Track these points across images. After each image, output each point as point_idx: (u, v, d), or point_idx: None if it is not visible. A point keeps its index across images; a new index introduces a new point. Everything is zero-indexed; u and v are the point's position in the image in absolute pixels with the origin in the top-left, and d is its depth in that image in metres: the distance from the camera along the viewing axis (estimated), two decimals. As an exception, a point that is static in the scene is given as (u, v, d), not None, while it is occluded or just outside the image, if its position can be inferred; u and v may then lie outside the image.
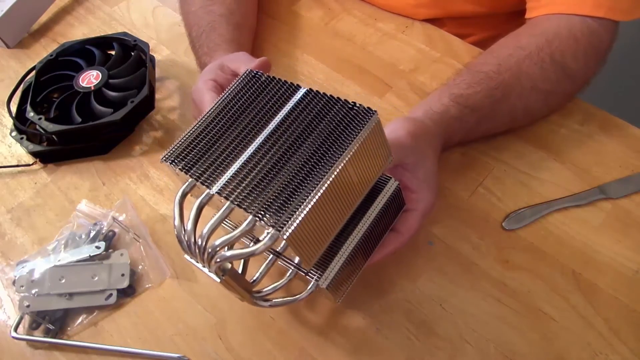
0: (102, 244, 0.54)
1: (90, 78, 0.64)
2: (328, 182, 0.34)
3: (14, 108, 0.66)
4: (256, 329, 0.50)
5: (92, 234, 0.55)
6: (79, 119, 0.61)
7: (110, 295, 0.51)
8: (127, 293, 0.52)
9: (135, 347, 0.49)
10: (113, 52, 0.69)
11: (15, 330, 0.50)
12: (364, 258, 0.46)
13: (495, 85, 0.55)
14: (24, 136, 0.63)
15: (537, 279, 0.51)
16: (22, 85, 0.68)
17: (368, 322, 0.49)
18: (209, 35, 0.63)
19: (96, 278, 0.52)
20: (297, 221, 0.33)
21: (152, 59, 0.69)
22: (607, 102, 0.67)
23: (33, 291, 0.51)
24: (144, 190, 0.61)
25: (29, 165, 0.64)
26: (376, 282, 0.52)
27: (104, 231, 0.56)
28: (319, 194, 0.34)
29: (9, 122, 0.66)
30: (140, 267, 0.54)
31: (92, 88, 0.63)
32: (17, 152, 0.65)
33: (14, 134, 0.64)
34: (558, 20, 0.58)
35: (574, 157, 0.59)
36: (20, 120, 0.65)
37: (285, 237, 0.33)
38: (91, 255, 0.53)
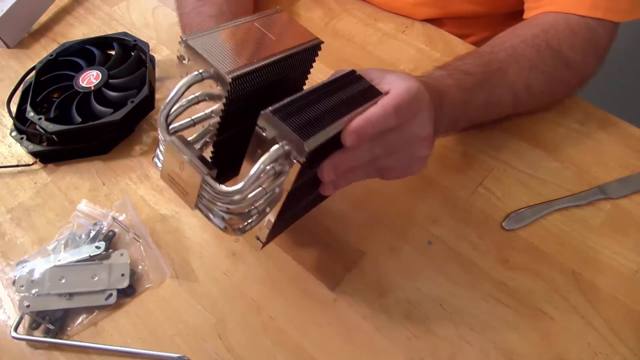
0: (102, 244, 0.54)
1: (90, 78, 0.64)
2: (233, 25, 0.45)
3: (14, 108, 0.66)
4: (256, 329, 0.50)
5: (92, 234, 0.55)
6: (79, 119, 0.61)
7: (110, 295, 0.51)
8: (127, 293, 0.52)
9: (135, 347, 0.49)
10: (113, 52, 0.69)
11: (15, 330, 0.50)
12: (336, 113, 0.41)
13: (488, 59, 0.55)
14: (24, 136, 0.63)
15: (537, 279, 0.51)
16: (22, 85, 0.68)
17: (368, 322, 0.49)
18: None
19: (96, 278, 0.52)
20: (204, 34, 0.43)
21: (152, 59, 0.69)
22: (607, 102, 0.67)
23: (33, 291, 0.51)
24: (144, 190, 0.61)
25: (29, 165, 0.64)
26: (376, 282, 0.52)
27: (104, 231, 0.56)
28: (225, 27, 0.44)
29: (9, 122, 0.66)
30: (140, 267, 0.54)
31: (92, 88, 0.63)
32: (17, 152, 0.65)
33: (14, 134, 0.64)
34: (555, 15, 0.58)
35: (574, 157, 0.59)
36: (20, 120, 0.65)
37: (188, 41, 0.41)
38: (91, 255, 0.53)
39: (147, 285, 0.53)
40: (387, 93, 0.43)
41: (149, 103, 0.65)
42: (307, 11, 0.78)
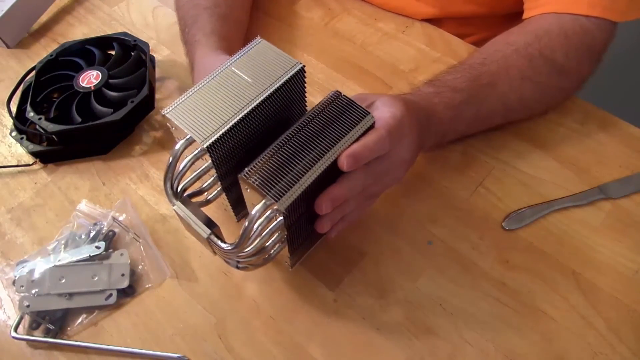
0: (102, 244, 0.54)
1: (90, 78, 0.64)
2: (210, 79, 0.44)
3: (14, 108, 0.66)
4: (256, 329, 0.50)
5: (92, 234, 0.55)
6: (79, 119, 0.61)
7: (110, 295, 0.51)
8: (127, 293, 0.52)
9: (135, 347, 0.49)
10: (113, 52, 0.69)
11: (15, 330, 0.50)
12: (311, 158, 0.41)
13: (478, 73, 0.55)
14: (24, 136, 0.63)
15: (537, 279, 0.51)
16: (22, 85, 0.68)
17: (368, 322, 0.49)
18: (191, 30, 0.63)
19: (96, 278, 0.52)
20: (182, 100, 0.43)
21: (152, 59, 0.69)
22: (607, 102, 0.67)
23: (33, 291, 0.51)
24: (144, 190, 0.61)
25: (29, 165, 0.64)
26: (376, 282, 0.52)
27: (104, 231, 0.56)
28: (203, 84, 0.44)
29: (9, 122, 0.66)
30: (140, 267, 0.54)
31: (92, 88, 0.63)
32: (17, 152, 0.65)
33: (14, 134, 0.64)
34: (549, 19, 0.58)
35: (574, 157, 0.59)
36: (20, 120, 0.65)
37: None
38: (91, 255, 0.53)
39: (147, 285, 0.53)
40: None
41: (149, 103, 0.65)
42: (307, 11, 0.78)
